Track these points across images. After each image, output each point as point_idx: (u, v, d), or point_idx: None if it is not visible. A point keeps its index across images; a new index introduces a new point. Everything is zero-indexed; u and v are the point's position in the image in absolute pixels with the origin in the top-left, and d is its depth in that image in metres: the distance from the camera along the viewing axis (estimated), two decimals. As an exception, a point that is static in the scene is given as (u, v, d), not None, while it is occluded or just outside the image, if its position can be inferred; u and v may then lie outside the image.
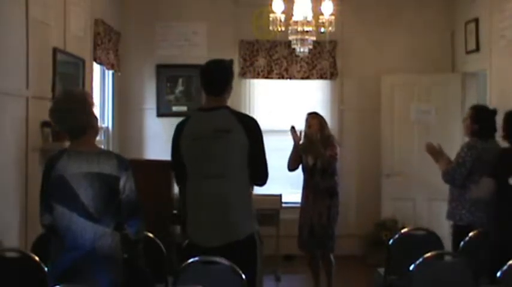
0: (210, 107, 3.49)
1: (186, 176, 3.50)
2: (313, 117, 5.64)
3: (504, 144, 4.35)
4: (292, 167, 5.63)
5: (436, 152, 4.82)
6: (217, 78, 3.50)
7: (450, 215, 4.69)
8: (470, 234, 4.16)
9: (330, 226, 5.48)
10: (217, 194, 3.40)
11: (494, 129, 4.65)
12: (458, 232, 4.50)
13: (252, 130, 3.42)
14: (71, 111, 3.00)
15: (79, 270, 2.92)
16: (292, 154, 5.62)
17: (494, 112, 4.71)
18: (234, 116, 3.44)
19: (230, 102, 3.58)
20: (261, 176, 3.51)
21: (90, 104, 3.08)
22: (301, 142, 5.58)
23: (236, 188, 3.43)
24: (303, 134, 5.59)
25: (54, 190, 2.97)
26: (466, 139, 4.82)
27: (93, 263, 2.94)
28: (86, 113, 3.03)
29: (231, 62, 3.71)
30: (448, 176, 4.63)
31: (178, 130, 3.52)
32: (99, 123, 3.22)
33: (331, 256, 5.55)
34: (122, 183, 3.00)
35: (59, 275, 2.92)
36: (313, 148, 5.48)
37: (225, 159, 3.39)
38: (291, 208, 6.36)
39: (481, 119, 4.65)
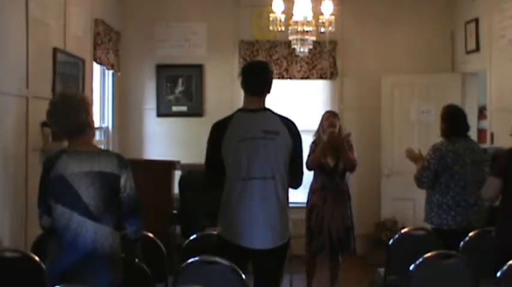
0: (254, 108, 3.48)
1: (221, 176, 3.43)
2: (335, 117, 5.45)
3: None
4: (315, 166, 5.33)
5: (415, 157, 4.75)
6: (260, 78, 3.53)
7: (425, 217, 4.70)
8: (470, 234, 4.16)
9: (352, 227, 5.42)
10: (269, 196, 3.38)
11: (465, 129, 4.60)
12: (434, 235, 4.45)
13: (295, 133, 3.46)
14: (69, 111, 3.00)
15: (80, 270, 2.92)
16: (317, 154, 5.30)
17: (463, 112, 4.66)
18: (278, 118, 3.47)
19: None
20: (299, 179, 3.55)
21: (87, 104, 3.09)
22: (313, 139, 5.43)
23: (283, 190, 3.45)
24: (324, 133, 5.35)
25: (54, 190, 2.97)
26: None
27: (93, 262, 2.94)
28: (84, 112, 3.03)
29: (268, 63, 3.80)
30: (416, 179, 4.63)
31: (219, 130, 3.45)
32: (96, 123, 3.22)
33: (340, 258, 5.48)
34: (122, 181, 3.01)
35: (59, 275, 2.92)
36: (340, 149, 5.27)
37: (275, 161, 3.39)
38: (291, 208, 6.33)
39: (449, 118, 4.59)
